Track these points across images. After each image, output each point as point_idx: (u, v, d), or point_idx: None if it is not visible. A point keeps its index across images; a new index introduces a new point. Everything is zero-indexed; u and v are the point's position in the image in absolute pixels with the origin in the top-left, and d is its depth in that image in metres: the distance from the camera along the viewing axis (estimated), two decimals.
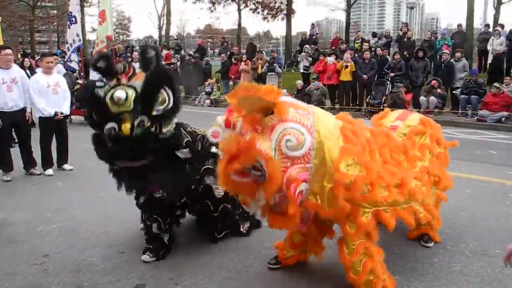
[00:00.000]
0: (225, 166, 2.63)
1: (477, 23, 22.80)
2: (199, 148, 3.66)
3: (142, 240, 4.07)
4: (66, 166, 6.81)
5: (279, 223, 2.93)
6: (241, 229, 4.22)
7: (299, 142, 2.61)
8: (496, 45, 14.82)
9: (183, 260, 3.77)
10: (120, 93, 3.06)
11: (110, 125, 3.09)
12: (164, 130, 3.30)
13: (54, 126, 6.54)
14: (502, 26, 16.36)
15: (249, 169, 2.62)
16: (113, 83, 3.21)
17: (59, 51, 21.29)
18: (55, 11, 36.82)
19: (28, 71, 10.84)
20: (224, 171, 2.66)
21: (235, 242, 4.09)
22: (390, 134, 3.49)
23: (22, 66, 12.32)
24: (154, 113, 3.17)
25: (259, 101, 2.56)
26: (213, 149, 3.88)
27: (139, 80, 3.21)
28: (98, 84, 3.21)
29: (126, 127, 3.08)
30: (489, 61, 15.47)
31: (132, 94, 3.11)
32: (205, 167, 3.74)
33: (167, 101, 3.22)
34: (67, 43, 12.28)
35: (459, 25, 17.05)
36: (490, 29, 16.35)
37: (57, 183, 6.15)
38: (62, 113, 6.51)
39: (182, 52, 19.85)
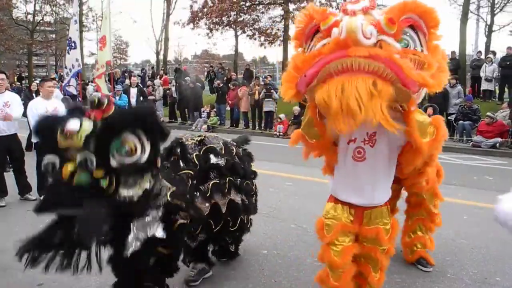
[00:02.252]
0: None
1: (469, 50, 23.24)
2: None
3: None
4: None
5: None
6: (231, 249, 4.13)
7: None
8: (488, 72, 15.09)
9: None
10: (73, 124, 2.26)
11: (50, 157, 2.30)
12: (123, 191, 2.38)
13: None
14: (494, 53, 16.69)
15: None
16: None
17: (56, 75, 21.47)
18: (53, 35, 37.18)
19: (34, 95, 10.99)
20: None
21: (233, 270, 4.04)
22: None
23: (29, 89, 12.44)
24: (112, 162, 2.29)
25: None
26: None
27: None
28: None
29: (67, 168, 2.23)
30: (482, 87, 15.73)
31: (88, 128, 2.27)
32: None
33: (138, 154, 2.33)
34: (66, 67, 12.37)
35: (453, 52, 17.34)
36: (482, 56, 16.65)
37: None
38: None
39: (188, 78, 20.09)
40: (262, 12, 26.09)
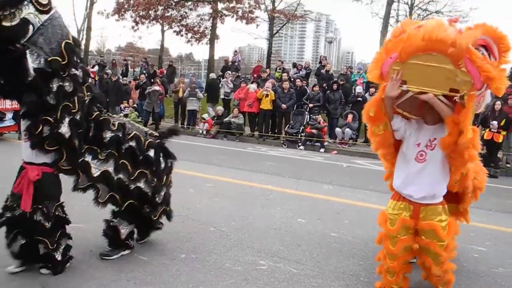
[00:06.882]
0: None
1: None
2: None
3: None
4: None
5: None
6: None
7: None
8: None
9: None
10: None
11: None
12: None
13: None
14: None
15: None
16: None
17: None
18: None
19: None
20: None
21: (151, 275, 3.84)
22: None
23: None
24: None
25: None
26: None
27: None
28: None
29: None
30: None
31: None
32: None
33: None
34: None
35: None
36: None
37: None
38: None
39: (109, 71, 19.14)
40: (191, 9, 25.75)
